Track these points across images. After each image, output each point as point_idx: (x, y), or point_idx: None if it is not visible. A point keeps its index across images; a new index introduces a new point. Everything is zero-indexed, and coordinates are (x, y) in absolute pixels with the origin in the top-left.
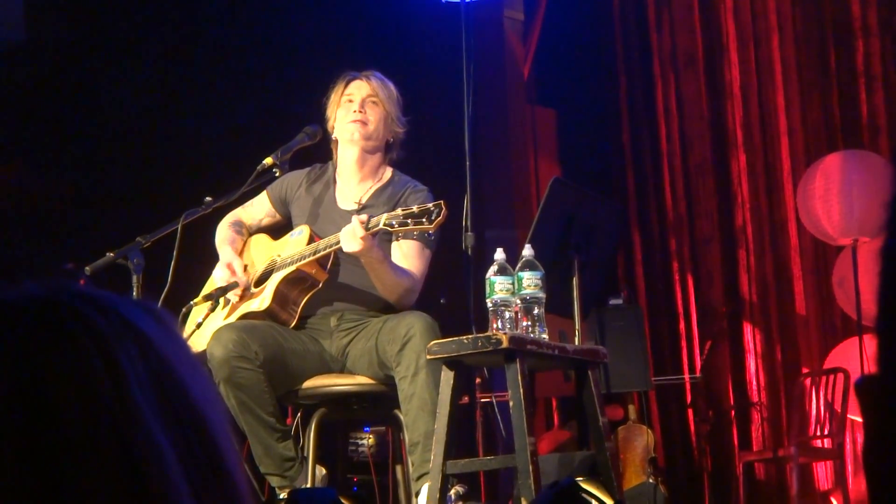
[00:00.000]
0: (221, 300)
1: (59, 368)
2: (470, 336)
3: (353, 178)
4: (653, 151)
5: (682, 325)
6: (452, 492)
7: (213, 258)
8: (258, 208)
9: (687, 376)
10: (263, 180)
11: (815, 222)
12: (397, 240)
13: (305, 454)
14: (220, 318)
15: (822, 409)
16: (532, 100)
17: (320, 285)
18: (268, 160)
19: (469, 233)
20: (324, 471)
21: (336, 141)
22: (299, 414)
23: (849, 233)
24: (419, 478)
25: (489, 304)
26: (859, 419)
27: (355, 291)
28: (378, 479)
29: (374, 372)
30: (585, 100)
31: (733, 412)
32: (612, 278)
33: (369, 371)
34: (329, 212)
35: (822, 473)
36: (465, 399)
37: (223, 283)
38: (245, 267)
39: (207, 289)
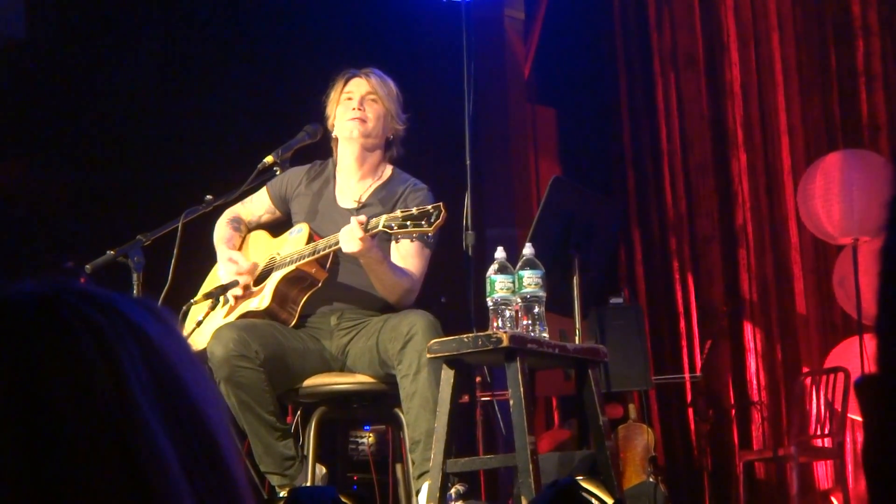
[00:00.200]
0: (221, 298)
1: (58, 367)
2: (470, 335)
3: (353, 176)
4: (653, 150)
5: (682, 324)
6: (453, 490)
7: (213, 256)
8: (258, 205)
9: (687, 375)
10: (264, 179)
11: (816, 221)
12: (396, 241)
13: (305, 453)
14: (220, 316)
15: (822, 408)
16: (532, 99)
17: (320, 284)
18: (268, 159)
19: (469, 231)
20: (324, 469)
21: (336, 139)
22: (299, 412)
23: (849, 232)
24: (420, 476)
25: (490, 303)
26: (860, 418)
27: (355, 291)
28: (378, 477)
29: (375, 370)
30: (586, 99)
31: (733, 411)
32: (613, 277)
33: (369, 369)
34: (329, 210)
35: (823, 473)
36: (466, 398)
37: (226, 280)
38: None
39: (207, 286)
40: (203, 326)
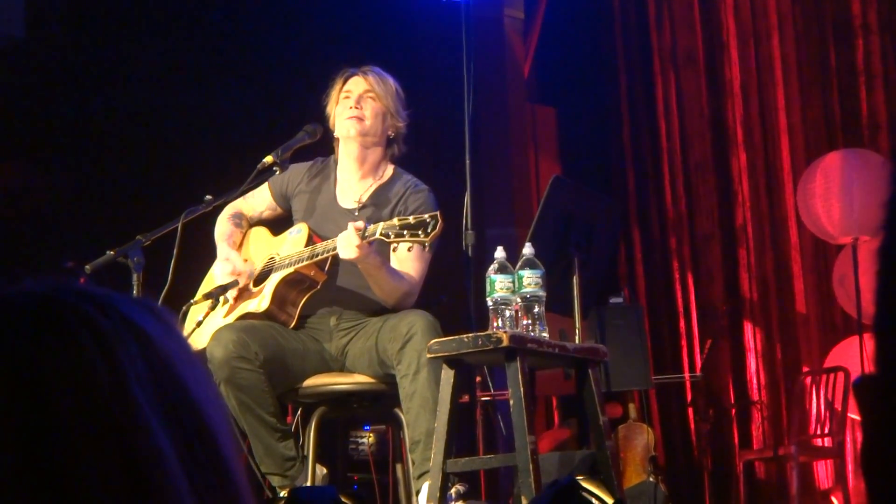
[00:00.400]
0: (221, 298)
1: (58, 366)
2: (470, 334)
3: (354, 176)
4: (653, 149)
5: (682, 324)
6: (453, 490)
7: (213, 256)
8: (259, 200)
9: (687, 375)
10: (263, 178)
11: (816, 221)
12: (394, 250)
13: (305, 453)
14: (220, 316)
15: (822, 407)
16: (532, 98)
17: (319, 286)
18: (268, 158)
19: (469, 231)
20: (324, 470)
21: (338, 139)
22: (299, 413)
23: (849, 231)
24: (420, 476)
25: (489, 303)
26: (859, 418)
27: (354, 293)
28: (378, 477)
29: (374, 370)
30: (585, 98)
31: (734, 411)
32: (613, 277)
33: (369, 370)
34: (329, 209)
35: (823, 472)
36: (466, 398)
37: (223, 279)
38: (244, 261)
39: (206, 285)
40: (203, 326)
